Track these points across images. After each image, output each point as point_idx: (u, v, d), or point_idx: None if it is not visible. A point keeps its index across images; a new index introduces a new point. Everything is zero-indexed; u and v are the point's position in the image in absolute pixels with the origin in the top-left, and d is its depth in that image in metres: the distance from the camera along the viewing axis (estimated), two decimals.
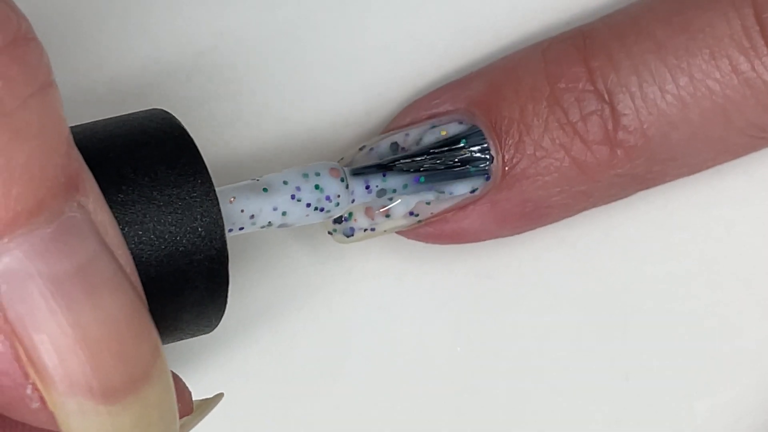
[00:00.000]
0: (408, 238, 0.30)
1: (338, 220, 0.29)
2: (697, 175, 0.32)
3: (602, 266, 0.32)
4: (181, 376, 0.26)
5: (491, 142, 0.29)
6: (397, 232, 0.30)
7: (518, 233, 0.31)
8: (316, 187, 0.27)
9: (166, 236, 0.24)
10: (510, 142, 0.29)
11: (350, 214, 0.29)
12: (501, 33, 0.31)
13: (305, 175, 0.27)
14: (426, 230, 0.30)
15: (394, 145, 0.29)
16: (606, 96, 0.29)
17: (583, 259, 0.32)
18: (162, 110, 0.25)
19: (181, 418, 0.25)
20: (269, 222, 0.27)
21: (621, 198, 0.31)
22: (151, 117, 0.25)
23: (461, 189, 0.29)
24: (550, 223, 0.31)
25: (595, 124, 0.29)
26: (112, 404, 0.21)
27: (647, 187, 0.30)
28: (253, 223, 0.27)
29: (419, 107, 0.30)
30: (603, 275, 0.32)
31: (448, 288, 0.32)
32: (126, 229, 0.23)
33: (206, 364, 0.32)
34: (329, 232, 0.29)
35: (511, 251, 0.32)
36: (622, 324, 0.32)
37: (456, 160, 0.29)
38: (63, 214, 0.21)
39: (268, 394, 0.32)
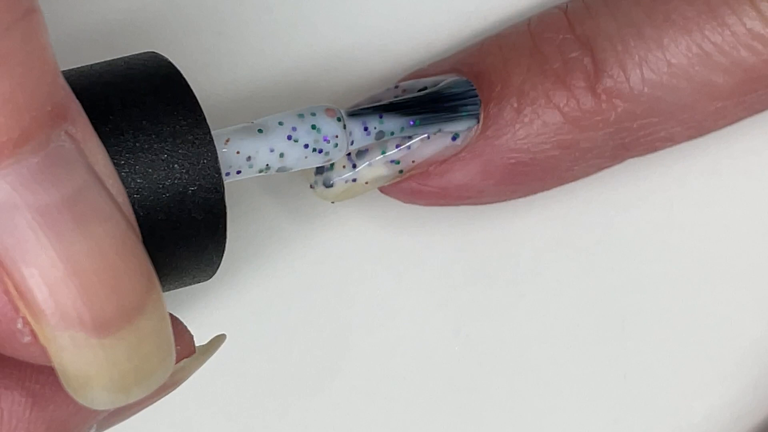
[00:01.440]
0: (392, 196, 0.30)
1: (320, 170, 0.29)
2: (697, 175, 0.32)
3: (601, 266, 0.32)
4: None
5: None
6: (382, 190, 0.30)
7: (505, 194, 0.30)
8: (313, 127, 0.27)
9: (159, 165, 0.23)
10: (492, 90, 0.29)
11: (332, 165, 0.29)
12: (493, 19, 0.31)
13: (301, 116, 0.27)
14: (409, 185, 0.29)
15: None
16: (586, 42, 0.29)
17: (583, 259, 0.32)
18: (151, 51, 0.25)
19: (181, 360, 0.25)
20: (267, 165, 0.26)
21: (613, 160, 0.30)
22: (139, 56, 0.25)
23: (459, 126, 0.29)
24: (538, 184, 0.30)
25: (576, 68, 0.29)
26: (105, 336, 0.20)
27: (640, 148, 0.30)
28: (251, 166, 0.26)
29: (407, 77, 0.30)
30: (602, 275, 0.32)
31: (447, 288, 0.32)
32: (116, 158, 0.23)
33: (207, 364, 0.31)
34: (311, 186, 0.29)
35: (510, 251, 0.32)
36: (621, 323, 0.32)
37: (449, 103, 0.29)
38: (50, 143, 0.20)
39: (267, 394, 0.32)
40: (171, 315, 0.23)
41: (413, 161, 0.29)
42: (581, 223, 0.32)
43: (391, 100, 0.28)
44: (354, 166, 0.29)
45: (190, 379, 0.31)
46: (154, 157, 0.23)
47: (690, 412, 0.33)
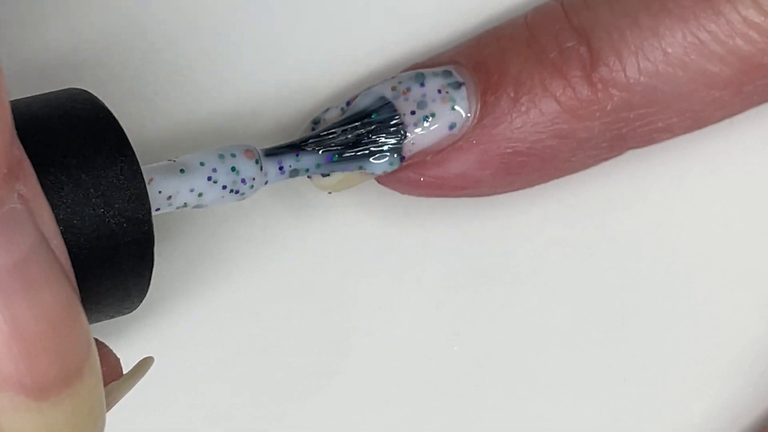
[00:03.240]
0: (389, 187, 0.30)
1: None
2: (696, 175, 0.32)
3: (601, 266, 0.32)
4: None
5: (471, 81, 0.29)
6: (379, 181, 0.30)
7: (502, 185, 0.30)
8: (233, 169, 0.27)
9: (96, 218, 0.24)
10: (489, 80, 0.29)
11: None
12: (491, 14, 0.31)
13: (221, 156, 0.27)
14: (406, 175, 0.29)
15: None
16: (582, 31, 0.29)
17: (582, 258, 0.32)
18: (83, 90, 0.25)
19: (108, 383, 0.25)
20: (185, 203, 0.27)
21: (610, 153, 0.30)
22: (74, 97, 0.25)
23: (378, 167, 0.29)
24: (535, 176, 0.30)
25: (573, 58, 0.29)
26: (44, 400, 0.21)
27: (637, 139, 0.30)
28: (170, 204, 0.27)
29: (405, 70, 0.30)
30: (602, 275, 0.32)
31: (446, 287, 0.32)
32: (56, 212, 0.23)
33: (200, 364, 0.31)
34: (308, 175, 0.29)
35: (510, 251, 0.32)
36: (620, 324, 0.32)
37: (368, 134, 0.29)
38: (4, 205, 0.20)
39: (266, 394, 0.32)
40: (96, 339, 0.23)
41: (410, 150, 0.29)
42: (580, 222, 0.32)
43: (308, 135, 0.29)
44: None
45: (189, 380, 0.31)
46: (91, 211, 0.24)
47: (690, 412, 0.33)
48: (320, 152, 0.28)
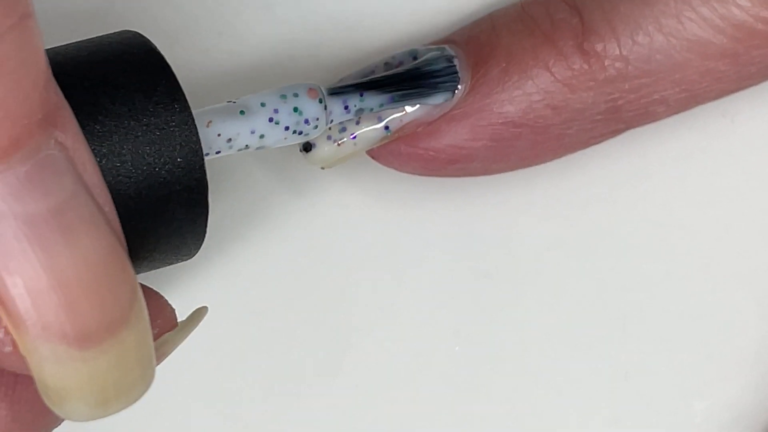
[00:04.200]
0: (381, 162, 0.30)
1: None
2: (696, 175, 0.32)
3: (602, 266, 0.32)
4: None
5: (461, 53, 0.29)
6: (370, 155, 0.29)
7: (496, 162, 0.30)
8: (295, 109, 0.27)
9: (145, 167, 0.23)
10: (481, 53, 0.29)
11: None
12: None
13: (283, 97, 0.27)
14: (398, 147, 0.29)
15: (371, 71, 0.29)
16: (574, 4, 0.29)
17: (583, 258, 0.32)
18: (137, 33, 0.25)
19: (163, 334, 0.24)
20: (246, 145, 0.26)
21: (607, 130, 0.30)
22: (125, 41, 0.24)
23: (435, 101, 0.29)
24: (532, 155, 0.30)
25: (566, 30, 0.29)
26: (87, 349, 0.20)
27: (634, 114, 0.30)
28: (230, 147, 0.26)
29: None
30: (603, 275, 0.32)
31: (447, 287, 0.32)
32: (104, 161, 0.23)
33: (200, 362, 0.32)
34: (300, 149, 0.29)
35: (511, 251, 0.32)
36: (621, 323, 0.32)
37: (427, 80, 0.29)
38: (40, 151, 0.20)
39: (267, 392, 0.32)
40: (151, 289, 0.23)
41: (401, 121, 0.29)
42: (582, 222, 0.32)
43: (371, 78, 0.28)
44: (343, 128, 0.29)
45: (190, 377, 0.31)
46: (141, 159, 0.23)
47: (690, 412, 0.33)
48: (384, 93, 0.28)
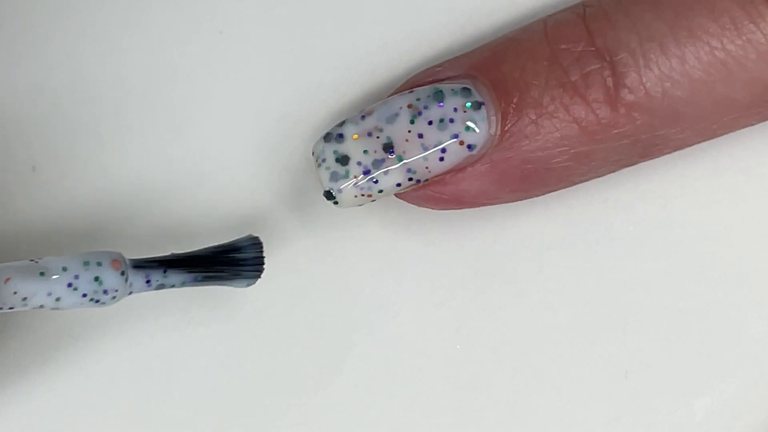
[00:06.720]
0: (407, 201, 0.30)
1: (334, 177, 0.28)
2: (697, 175, 0.32)
3: (602, 265, 0.32)
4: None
5: (491, 101, 0.29)
6: (397, 196, 0.30)
7: (518, 198, 0.30)
8: (96, 279, 0.27)
9: None
10: (510, 100, 0.29)
11: (347, 171, 0.28)
12: (504, 17, 0.31)
13: (86, 264, 0.27)
14: (425, 192, 0.29)
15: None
16: (606, 55, 0.29)
17: (583, 258, 0.32)
18: None
19: None
20: (41, 305, 0.26)
21: (624, 166, 0.30)
22: None
23: (238, 285, 0.29)
24: (551, 189, 0.30)
25: (596, 82, 0.28)
26: None
27: (652, 154, 0.30)
28: (25, 305, 0.26)
29: (422, 76, 0.30)
30: (603, 274, 0.32)
31: (448, 286, 0.32)
32: None
33: (202, 362, 0.32)
34: (324, 194, 0.29)
35: (511, 251, 0.32)
36: (622, 322, 0.32)
37: (233, 266, 0.29)
38: None
39: (269, 392, 0.32)
40: None
41: (428, 170, 0.29)
42: (582, 222, 0.32)
43: (177, 256, 0.28)
44: (367, 173, 0.28)
45: (192, 378, 0.31)
46: None
47: (690, 411, 0.33)
48: (186, 272, 0.28)
